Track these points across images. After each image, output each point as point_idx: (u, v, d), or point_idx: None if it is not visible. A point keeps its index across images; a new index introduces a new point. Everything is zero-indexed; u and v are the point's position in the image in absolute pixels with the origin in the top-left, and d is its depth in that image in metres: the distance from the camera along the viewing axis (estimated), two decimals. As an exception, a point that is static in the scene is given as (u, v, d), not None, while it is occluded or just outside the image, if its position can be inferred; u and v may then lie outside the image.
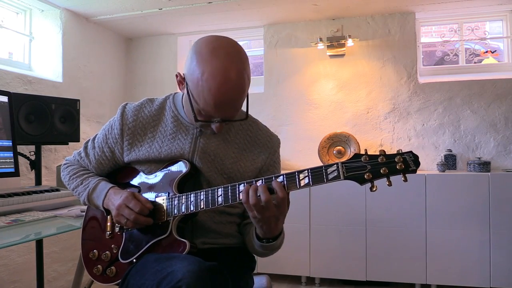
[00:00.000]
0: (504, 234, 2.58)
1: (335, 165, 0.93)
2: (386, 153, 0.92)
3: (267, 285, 1.35)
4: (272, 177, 0.98)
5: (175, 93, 1.24)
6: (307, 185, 0.95)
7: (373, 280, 2.78)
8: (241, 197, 0.99)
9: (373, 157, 0.92)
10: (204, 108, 1.01)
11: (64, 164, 1.30)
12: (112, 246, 1.14)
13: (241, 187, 1.00)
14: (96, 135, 1.26)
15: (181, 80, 1.08)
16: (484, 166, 2.74)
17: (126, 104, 1.21)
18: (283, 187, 0.96)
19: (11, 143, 1.66)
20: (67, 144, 2.35)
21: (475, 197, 2.63)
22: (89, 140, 1.27)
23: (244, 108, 1.09)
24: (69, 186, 1.24)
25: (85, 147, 1.26)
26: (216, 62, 0.98)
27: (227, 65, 0.98)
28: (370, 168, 0.91)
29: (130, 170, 1.21)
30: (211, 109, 1.00)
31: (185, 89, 1.05)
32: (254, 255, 1.26)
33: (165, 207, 1.08)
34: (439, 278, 2.67)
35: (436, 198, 2.68)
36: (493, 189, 2.60)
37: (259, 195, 0.95)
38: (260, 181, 0.99)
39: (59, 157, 2.83)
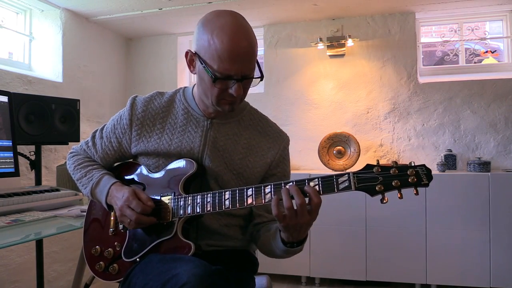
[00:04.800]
0: (504, 234, 2.58)
1: (347, 175, 0.91)
2: (398, 163, 0.91)
3: (267, 285, 1.35)
4: (282, 183, 0.96)
5: (185, 87, 1.24)
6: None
7: (373, 280, 2.78)
8: (249, 202, 0.97)
9: (385, 168, 0.90)
10: (219, 67, 0.99)
11: (70, 153, 1.30)
12: (115, 243, 1.13)
13: (249, 191, 0.99)
14: (105, 125, 1.25)
15: (192, 56, 1.07)
16: (484, 166, 2.74)
17: (136, 96, 1.21)
18: (317, 192, 0.92)
19: (11, 143, 1.65)
20: (67, 144, 2.34)
21: (475, 197, 2.63)
22: (97, 129, 1.26)
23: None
24: (73, 176, 1.24)
25: (93, 137, 1.26)
26: (223, 20, 1.01)
27: (234, 21, 1.02)
28: (382, 180, 0.90)
29: (136, 166, 1.20)
30: (227, 64, 0.99)
31: (197, 63, 1.05)
32: (257, 258, 1.25)
33: (170, 207, 1.07)
34: (439, 278, 2.67)
35: (436, 198, 2.68)
36: (493, 189, 2.60)
37: (292, 198, 0.92)
38: (269, 186, 0.97)
39: (59, 157, 2.83)
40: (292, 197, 0.92)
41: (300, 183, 0.94)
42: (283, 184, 0.96)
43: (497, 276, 2.57)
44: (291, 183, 0.95)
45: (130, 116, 1.18)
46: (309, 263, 2.88)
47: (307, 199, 0.93)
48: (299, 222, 0.92)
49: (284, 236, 1.00)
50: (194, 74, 1.10)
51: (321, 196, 0.93)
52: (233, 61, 0.99)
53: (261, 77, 1.06)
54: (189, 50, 1.08)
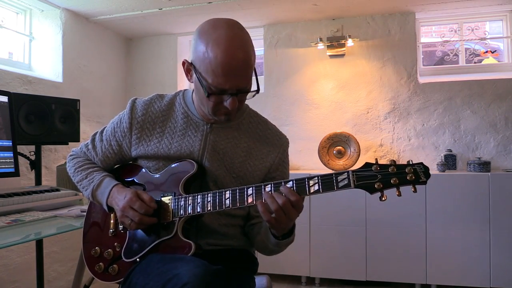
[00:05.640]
0: (504, 234, 2.58)
1: (346, 173, 0.93)
2: (397, 163, 0.92)
3: (267, 285, 1.35)
4: (282, 182, 0.97)
5: (185, 90, 1.24)
6: (316, 192, 0.95)
7: (373, 280, 2.78)
8: (249, 201, 0.99)
9: (384, 166, 0.92)
10: (214, 81, 0.99)
11: (70, 155, 1.30)
12: (115, 244, 1.13)
13: (250, 191, 0.99)
14: (105, 127, 1.25)
15: (188, 66, 1.07)
16: (484, 166, 2.74)
17: (136, 98, 1.21)
18: (293, 190, 0.95)
19: (11, 143, 1.65)
20: (67, 144, 2.34)
21: (475, 197, 2.63)
22: (97, 132, 1.26)
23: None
24: (74, 179, 1.24)
25: (93, 139, 1.26)
26: (219, 32, 0.99)
27: (229, 33, 0.99)
28: (380, 178, 0.91)
29: (136, 168, 1.20)
30: (221, 79, 0.98)
31: (193, 73, 1.05)
32: (257, 258, 1.25)
33: (171, 208, 1.07)
34: (439, 278, 2.67)
35: (436, 198, 2.68)
36: (493, 189, 2.60)
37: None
38: (269, 185, 0.98)
39: (59, 157, 2.83)
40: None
41: (277, 185, 0.97)
42: (283, 183, 0.97)
43: (497, 276, 2.57)
44: (286, 183, 0.97)
45: (130, 119, 1.17)
46: (309, 263, 2.88)
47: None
48: (286, 219, 0.96)
49: (274, 232, 1.03)
50: (191, 82, 1.10)
51: (321, 194, 0.96)
52: (227, 76, 0.98)
53: (257, 91, 1.05)
54: (186, 60, 1.08)
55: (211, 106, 1.05)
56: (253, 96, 1.06)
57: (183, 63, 1.08)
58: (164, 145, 1.14)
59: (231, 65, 0.97)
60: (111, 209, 1.14)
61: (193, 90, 1.19)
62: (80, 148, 1.29)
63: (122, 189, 1.12)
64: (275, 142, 1.20)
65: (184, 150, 1.13)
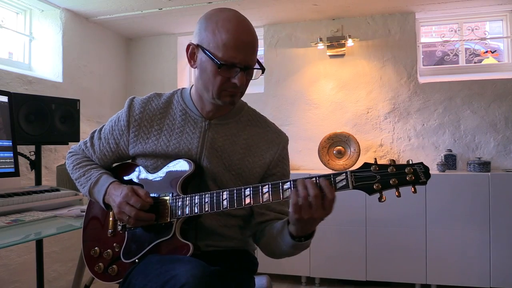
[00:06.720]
0: (504, 234, 2.58)
1: (344, 174, 0.91)
2: (396, 163, 0.90)
3: (267, 285, 1.35)
4: (279, 182, 0.96)
5: (183, 88, 1.24)
6: None
7: (373, 280, 2.78)
8: (247, 201, 0.98)
9: (383, 167, 0.90)
10: (224, 54, 1.01)
11: (69, 152, 1.31)
12: (114, 244, 1.13)
13: (247, 191, 0.99)
14: (103, 126, 1.26)
15: (194, 49, 1.08)
16: (484, 166, 2.74)
17: (134, 97, 1.22)
18: (332, 188, 0.91)
19: (11, 143, 1.65)
20: (67, 144, 2.34)
21: (475, 197, 2.63)
22: (95, 130, 1.27)
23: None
24: (72, 176, 1.24)
25: (91, 137, 1.26)
26: (227, 13, 1.06)
27: (236, 15, 1.07)
28: (379, 179, 0.90)
29: (134, 167, 1.20)
30: (232, 51, 1.01)
31: (199, 55, 1.06)
32: (257, 258, 1.25)
33: (168, 208, 1.07)
34: (439, 278, 2.67)
35: (436, 198, 2.68)
36: (493, 189, 2.60)
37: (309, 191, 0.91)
38: (266, 186, 0.97)
39: (59, 157, 2.83)
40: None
41: (275, 186, 0.96)
42: (280, 184, 0.96)
43: (497, 276, 2.57)
44: (303, 179, 0.94)
45: (128, 117, 1.18)
46: (309, 263, 2.88)
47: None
48: (313, 216, 0.92)
49: (292, 229, 0.99)
50: (195, 68, 1.10)
51: None
52: (238, 49, 1.01)
53: (263, 70, 1.09)
54: (191, 43, 1.08)
55: (218, 84, 1.05)
56: (260, 76, 1.10)
57: (188, 47, 1.09)
58: (162, 142, 1.14)
59: (242, 39, 1.02)
60: (108, 207, 1.14)
61: (191, 88, 1.19)
62: (79, 145, 1.30)
63: (118, 185, 1.12)
64: (275, 139, 1.20)
65: (183, 147, 1.13)
